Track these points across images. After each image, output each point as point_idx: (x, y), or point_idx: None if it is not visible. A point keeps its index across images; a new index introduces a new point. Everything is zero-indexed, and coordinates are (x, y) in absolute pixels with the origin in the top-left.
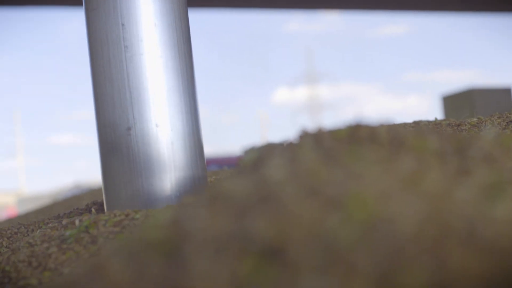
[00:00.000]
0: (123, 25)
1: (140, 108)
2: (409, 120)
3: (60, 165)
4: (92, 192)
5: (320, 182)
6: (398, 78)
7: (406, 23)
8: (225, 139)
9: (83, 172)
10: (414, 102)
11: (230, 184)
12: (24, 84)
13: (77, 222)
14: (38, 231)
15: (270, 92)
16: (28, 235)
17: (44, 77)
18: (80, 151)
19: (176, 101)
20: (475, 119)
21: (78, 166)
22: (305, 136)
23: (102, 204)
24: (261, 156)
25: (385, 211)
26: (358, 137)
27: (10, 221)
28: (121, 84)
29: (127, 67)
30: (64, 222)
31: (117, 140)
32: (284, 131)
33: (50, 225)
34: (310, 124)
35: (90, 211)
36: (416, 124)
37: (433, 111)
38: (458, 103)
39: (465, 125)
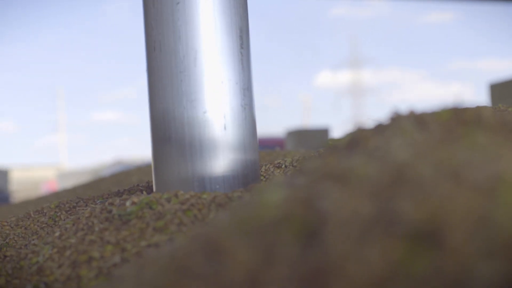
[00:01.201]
0: (178, 3)
1: (193, 91)
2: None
3: (101, 142)
4: (139, 169)
5: (456, 164)
6: (443, 66)
7: (453, 10)
8: (265, 121)
9: (124, 149)
10: (458, 90)
11: (348, 164)
12: (68, 61)
13: (135, 199)
14: (97, 204)
15: (313, 76)
16: (86, 206)
17: (87, 55)
18: (122, 129)
19: (231, 82)
20: None
21: (119, 143)
22: (400, 118)
23: (149, 186)
24: (355, 138)
25: None
26: (463, 120)
27: (57, 195)
28: (175, 69)
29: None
30: (122, 199)
31: (170, 121)
32: (325, 115)
33: (109, 200)
34: (352, 109)
35: (142, 192)
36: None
37: (476, 100)
38: (507, 91)
39: None
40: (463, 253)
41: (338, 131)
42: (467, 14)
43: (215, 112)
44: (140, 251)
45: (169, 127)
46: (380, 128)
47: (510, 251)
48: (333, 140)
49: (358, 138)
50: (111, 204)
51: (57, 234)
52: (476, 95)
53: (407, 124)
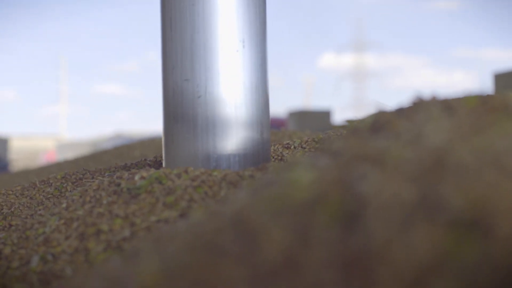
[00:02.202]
0: None
1: (208, 67)
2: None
3: (102, 115)
4: (142, 142)
5: (496, 151)
6: (447, 53)
7: None
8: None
9: (124, 123)
10: (460, 78)
11: (382, 146)
12: (72, 32)
13: (144, 173)
14: (105, 177)
15: (316, 57)
16: (94, 180)
17: (93, 26)
18: (123, 102)
19: (246, 60)
20: None
21: (120, 116)
22: (424, 103)
23: (157, 161)
24: (378, 122)
25: None
26: (492, 107)
27: (59, 165)
28: (188, 46)
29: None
30: (130, 173)
31: (182, 98)
32: (327, 97)
33: (117, 173)
34: (354, 92)
35: (150, 166)
36: (506, 96)
37: (479, 88)
38: (511, 81)
39: None
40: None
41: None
42: (474, 2)
43: (228, 89)
44: (150, 226)
45: (181, 103)
46: (403, 112)
47: None
48: (353, 121)
49: (382, 121)
50: (120, 177)
51: (64, 205)
52: (479, 84)
53: (435, 109)
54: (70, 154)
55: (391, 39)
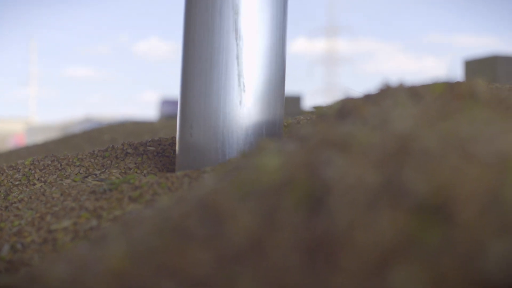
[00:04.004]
0: None
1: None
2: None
3: (73, 98)
4: (111, 127)
5: (461, 138)
6: (419, 39)
7: None
8: None
9: (95, 106)
10: (432, 64)
11: (348, 132)
12: (43, 13)
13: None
14: (74, 166)
15: (288, 42)
16: (62, 169)
17: (65, 9)
18: (94, 85)
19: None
20: None
21: (90, 100)
22: (391, 89)
23: (136, 147)
24: (345, 107)
25: None
26: (459, 94)
27: (28, 149)
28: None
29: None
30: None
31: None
32: (298, 82)
33: (86, 161)
34: (326, 77)
35: (126, 153)
36: (477, 83)
37: (451, 74)
38: (481, 68)
39: None
40: (474, 227)
41: (311, 99)
42: None
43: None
44: (116, 218)
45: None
46: (371, 98)
47: None
48: (320, 107)
49: (349, 107)
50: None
51: (43, 201)
52: (450, 70)
53: (401, 96)
54: (39, 138)
55: (363, 24)
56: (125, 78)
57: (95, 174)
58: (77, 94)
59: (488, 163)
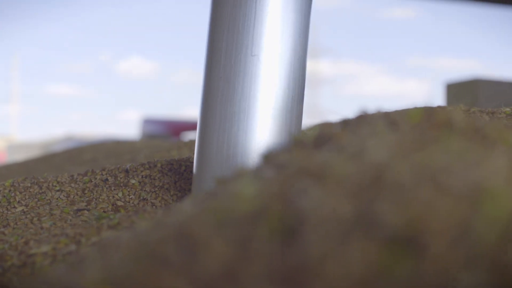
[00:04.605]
0: None
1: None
2: (417, 103)
3: (55, 115)
4: (93, 146)
5: (435, 169)
6: (401, 61)
7: (415, 7)
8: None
9: (76, 124)
10: (414, 87)
11: (324, 161)
12: (25, 30)
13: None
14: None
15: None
16: (42, 193)
17: (47, 26)
18: (76, 103)
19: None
20: (508, 109)
21: (72, 117)
22: (368, 116)
23: (115, 176)
24: (323, 135)
25: None
26: (436, 123)
27: (8, 168)
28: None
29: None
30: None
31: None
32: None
33: (66, 185)
34: (308, 99)
35: (106, 181)
36: (454, 112)
37: (432, 97)
38: (462, 92)
39: (500, 113)
40: (444, 260)
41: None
42: (429, 12)
43: None
44: (94, 244)
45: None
46: (348, 125)
47: (491, 261)
48: (299, 134)
49: (327, 134)
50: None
51: (32, 230)
52: (432, 93)
53: (379, 124)
54: (20, 155)
55: (345, 46)
56: (106, 97)
57: (87, 210)
58: (58, 112)
59: (460, 195)
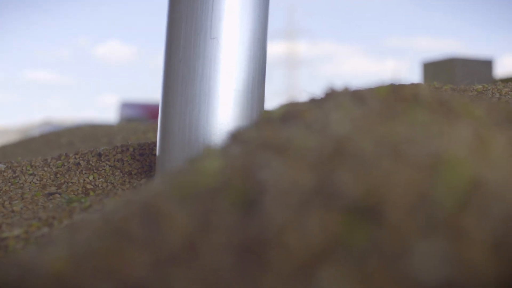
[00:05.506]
0: None
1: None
2: (387, 81)
3: (32, 101)
4: (69, 130)
5: (396, 140)
6: (379, 42)
7: None
8: None
9: (55, 110)
10: (391, 66)
11: (286, 135)
12: (2, 17)
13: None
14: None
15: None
16: (16, 177)
17: (25, 11)
18: (54, 89)
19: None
20: (479, 86)
21: (50, 103)
22: (336, 93)
23: (87, 160)
24: (289, 112)
25: (483, 174)
26: (402, 97)
27: None
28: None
29: None
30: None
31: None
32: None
33: (39, 169)
34: (286, 80)
35: (78, 164)
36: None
37: (410, 77)
38: (439, 70)
39: (471, 91)
40: (402, 229)
41: (271, 100)
42: None
43: None
44: (66, 226)
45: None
46: (315, 102)
47: (449, 229)
48: (267, 112)
49: (293, 111)
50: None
51: (3, 214)
52: (410, 73)
53: (345, 99)
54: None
55: (323, 27)
56: (85, 81)
57: (59, 194)
58: (37, 98)
59: (420, 165)
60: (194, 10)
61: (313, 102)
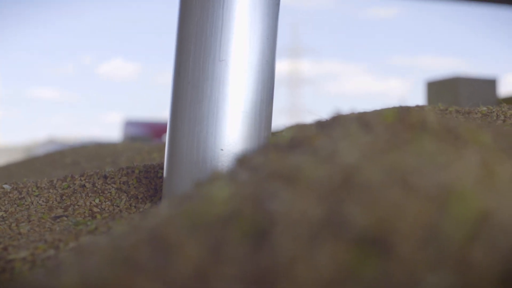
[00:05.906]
0: None
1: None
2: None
3: (37, 119)
4: (74, 149)
5: (404, 170)
6: (383, 60)
7: (397, 7)
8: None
9: (59, 127)
10: (396, 85)
11: (295, 164)
12: (6, 33)
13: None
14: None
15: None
16: (22, 198)
17: (30, 28)
18: (58, 106)
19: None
20: (484, 108)
21: (55, 121)
22: (342, 118)
23: (93, 183)
24: (297, 137)
25: (491, 205)
26: (409, 124)
27: None
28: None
29: None
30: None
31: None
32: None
33: (45, 191)
34: (289, 99)
35: (83, 187)
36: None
37: (414, 96)
38: (443, 90)
39: (476, 113)
40: (411, 261)
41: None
42: (411, 11)
43: None
44: (72, 249)
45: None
46: (322, 127)
47: (458, 262)
48: (274, 136)
49: (301, 137)
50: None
51: (10, 236)
52: (414, 91)
53: (352, 125)
54: (2, 159)
55: (328, 46)
56: (89, 99)
57: (66, 216)
58: (41, 115)
59: (428, 197)
60: (204, 31)
61: (320, 126)
